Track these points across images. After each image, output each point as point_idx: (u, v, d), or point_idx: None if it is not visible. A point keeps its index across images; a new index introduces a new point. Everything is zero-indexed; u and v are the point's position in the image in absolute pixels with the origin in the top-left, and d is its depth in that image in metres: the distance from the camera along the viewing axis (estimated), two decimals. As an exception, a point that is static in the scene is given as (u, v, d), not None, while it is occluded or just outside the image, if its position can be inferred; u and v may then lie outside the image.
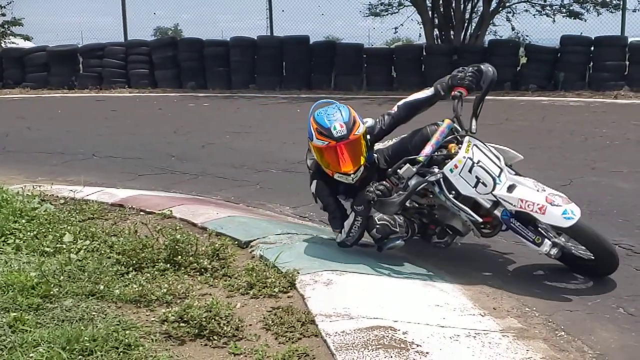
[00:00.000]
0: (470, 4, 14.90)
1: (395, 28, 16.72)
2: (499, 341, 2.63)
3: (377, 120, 3.61)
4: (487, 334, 2.70)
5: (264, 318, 2.78)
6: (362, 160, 3.44)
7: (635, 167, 5.90)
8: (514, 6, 15.44)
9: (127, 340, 2.44)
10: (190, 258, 3.34)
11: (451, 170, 3.26)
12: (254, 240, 3.77)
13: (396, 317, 2.77)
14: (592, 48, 12.72)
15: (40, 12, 46.54)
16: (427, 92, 3.56)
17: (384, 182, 3.38)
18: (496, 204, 3.29)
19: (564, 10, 14.81)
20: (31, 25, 35.07)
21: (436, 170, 3.29)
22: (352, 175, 3.42)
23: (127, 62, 15.51)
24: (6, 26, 17.95)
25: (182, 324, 2.64)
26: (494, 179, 3.27)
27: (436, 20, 14.85)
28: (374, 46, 17.18)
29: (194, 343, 2.58)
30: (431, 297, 3.08)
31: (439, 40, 14.72)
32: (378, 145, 3.66)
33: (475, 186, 3.27)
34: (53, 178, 5.93)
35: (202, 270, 3.30)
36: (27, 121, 10.48)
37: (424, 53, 13.89)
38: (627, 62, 12.56)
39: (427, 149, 3.33)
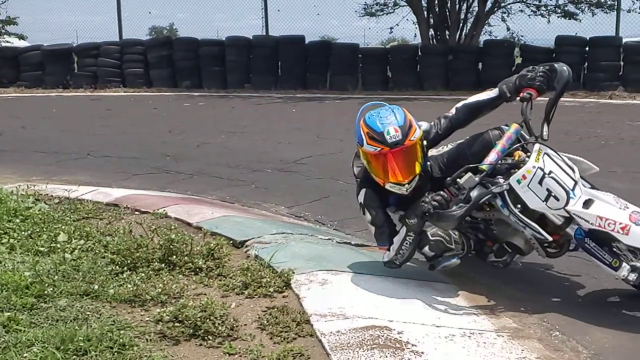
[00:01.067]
0: (465, 4, 14.97)
1: (391, 28, 16.88)
2: (494, 341, 2.64)
3: (433, 123, 3.26)
4: (482, 333, 2.70)
5: (259, 318, 2.78)
6: (418, 169, 3.07)
7: (630, 167, 5.93)
8: (509, 6, 15.57)
9: (121, 340, 2.44)
10: (185, 258, 3.33)
11: (519, 181, 2.91)
12: (249, 239, 3.76)
13: (391, 317, 2.77)
14: (587, 48, 12.78)
15: (35, 11, 46.41)
16: (490, 94, 3.22)
17: (442, 193, 2.98)
18: (569, 220, 2.95)
19: (559, 11, 14.91)
20: (26, 24, 35.02)
21: (501, 180, 2.92)
22: (406, 186, 3.05)
23: (122, 62, 15.49)
24: (0, 25, 17.87)
25: (176, 324, 2.63)
26: (567, 193, 2.91)
27: (431, 21, 14.90)
28: (369, 46, 17.23)
29: (189, 343, 2.58)
30: (426, 297, 3.08)
31: (434, 41, 14.76)
32: (432, 152, 3.30)
33: (546, 200, 2.91)
34: (47, 177, 5.93)
35: (197, 270, 3.29)
36: (21, 120, 10.44)
37: (419, 53, 13.91)
38: (622, 63, 12.62)
39: (492, 157, 2.97)
